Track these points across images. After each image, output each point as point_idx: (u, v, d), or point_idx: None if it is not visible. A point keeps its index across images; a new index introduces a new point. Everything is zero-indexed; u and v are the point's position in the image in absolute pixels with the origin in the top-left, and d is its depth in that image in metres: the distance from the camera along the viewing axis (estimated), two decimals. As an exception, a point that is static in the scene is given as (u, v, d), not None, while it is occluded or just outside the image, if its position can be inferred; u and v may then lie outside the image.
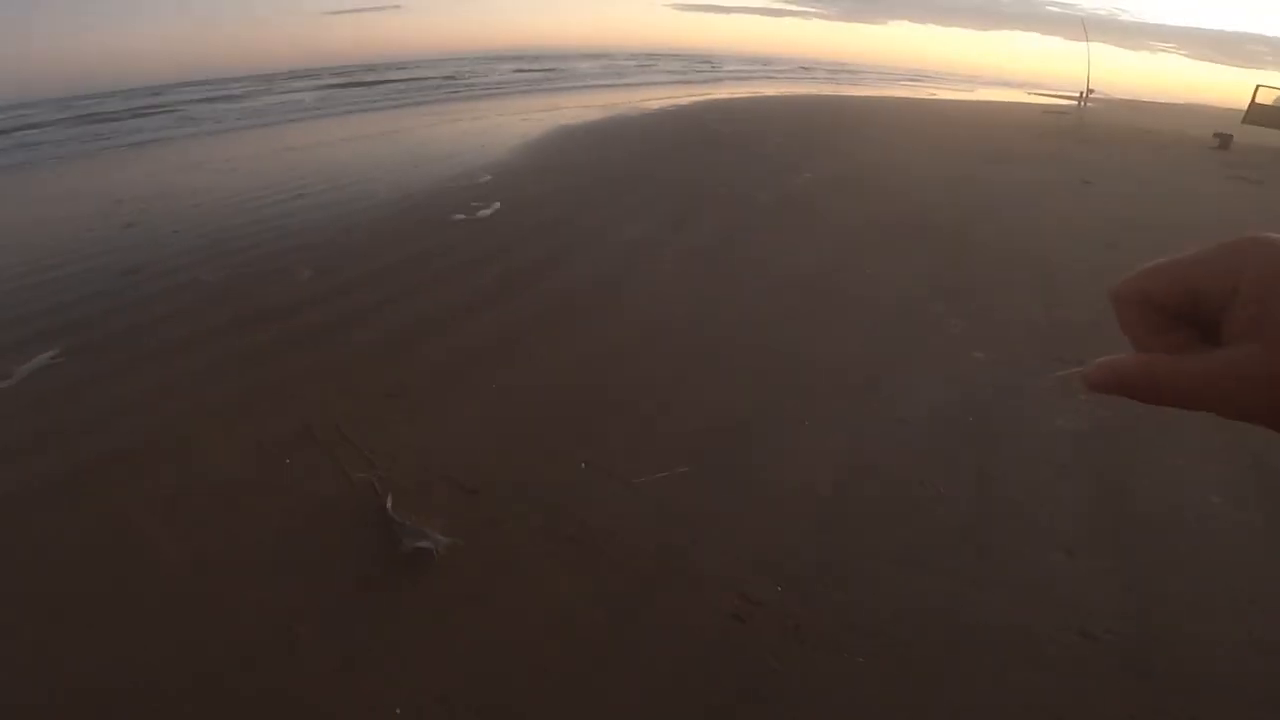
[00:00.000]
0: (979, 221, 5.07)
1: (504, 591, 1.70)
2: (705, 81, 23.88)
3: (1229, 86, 12.77)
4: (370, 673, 1.47)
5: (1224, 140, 11.35)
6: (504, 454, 2.24)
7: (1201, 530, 1.97)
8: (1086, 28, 13.60)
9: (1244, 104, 13.27)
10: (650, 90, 18.03)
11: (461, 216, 4.83)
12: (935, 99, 21.25)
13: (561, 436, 2.34)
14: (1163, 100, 26.23)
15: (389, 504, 1.93)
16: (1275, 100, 12.84)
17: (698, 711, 1.42)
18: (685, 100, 14.50)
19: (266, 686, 1.44)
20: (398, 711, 1.39)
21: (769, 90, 20.18)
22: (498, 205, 5.07)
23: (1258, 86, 13.21)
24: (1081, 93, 14.10)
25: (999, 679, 1.49)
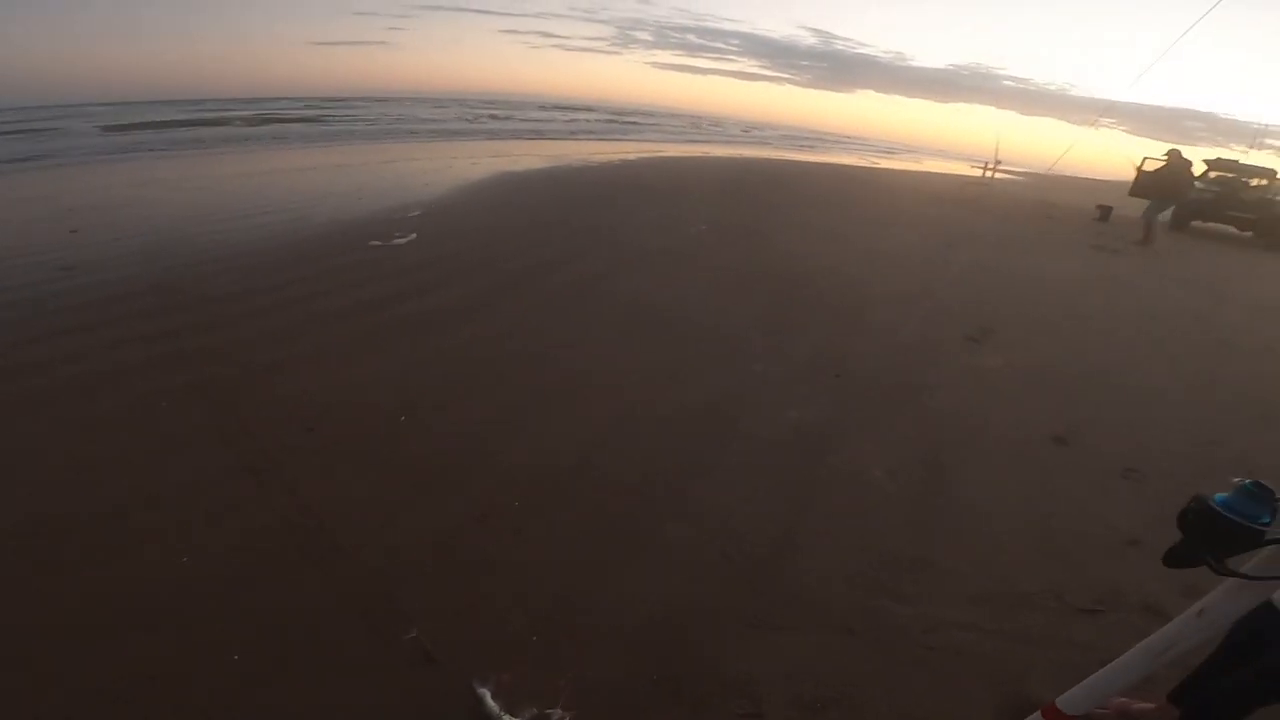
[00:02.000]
0: (829, 274, 5.92)
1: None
2: (659, 139, 25.36)
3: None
4: None
5: (1105, 212, 12.68)
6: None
7: (855, 491, 2.62)
8: (999, 107, 15.06)
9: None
10: (603, 144, 19.30)
11: (378, 243, 5.54)
12: (875, 167, 22.94)
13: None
14: (1088, 176, 28.37)
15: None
16: (1157, 171, 14.18)
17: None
18: (633, 155, 15.61)
19: None
20: None
21: (719, 151, 21.60)
22: (414, 236, 5.80)
23: (1144, 158, 14.56)
24: (986, 164, 15.50)
25: (658, 579, 2.06)
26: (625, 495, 2.44)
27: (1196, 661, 1.58)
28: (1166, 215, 9.15)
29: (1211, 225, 12.90)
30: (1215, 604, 1.25)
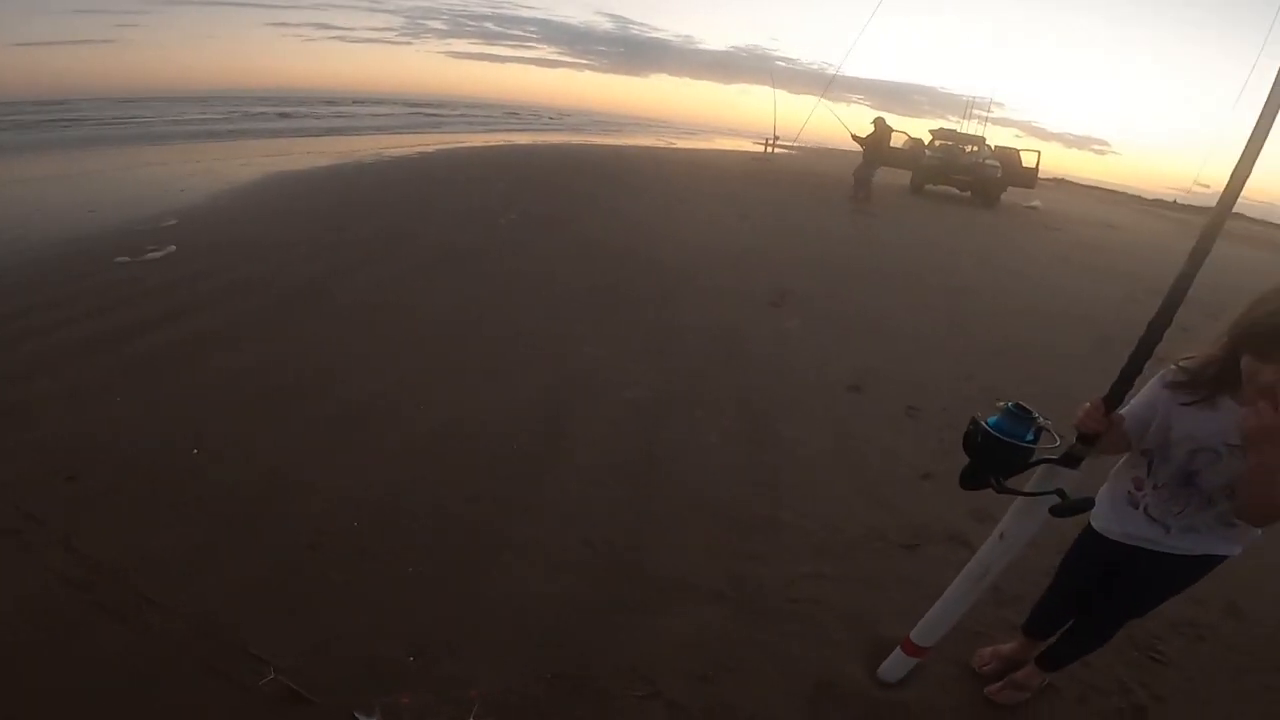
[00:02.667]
0: (641, 254, 6.13)
1: None
2: (465, 130, 24.34)
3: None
4: None
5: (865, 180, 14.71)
6: None
7: (695, 460, 2.75)
8: (774, 79, 16.40)
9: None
10: (401, 137, 18.00)
11: (127, 259, 4.64)
12: (672, 147, 24.13)
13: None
14: (847, 148, 32.34)
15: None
16: (903, 144, 16.73)
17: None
18: (434, 148, 14.77)
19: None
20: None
21: (529, 139, 21.24)
22: (172, 249, 4.94)
23: (891, 132, 17.10)
24: (767, 140, 17.03)
25: (522, 579, 2.00)
26: (472, 501, 2.33)
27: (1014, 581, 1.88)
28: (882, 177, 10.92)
29: (941, 188, 15.49)
30: (1010, 526, 1.45)
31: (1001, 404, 1.29)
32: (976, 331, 5.10)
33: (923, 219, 11.63)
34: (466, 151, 14.37)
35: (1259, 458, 1.09)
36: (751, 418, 3.17)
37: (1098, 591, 1.55)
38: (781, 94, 15.81)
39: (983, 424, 1.29)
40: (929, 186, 15.39)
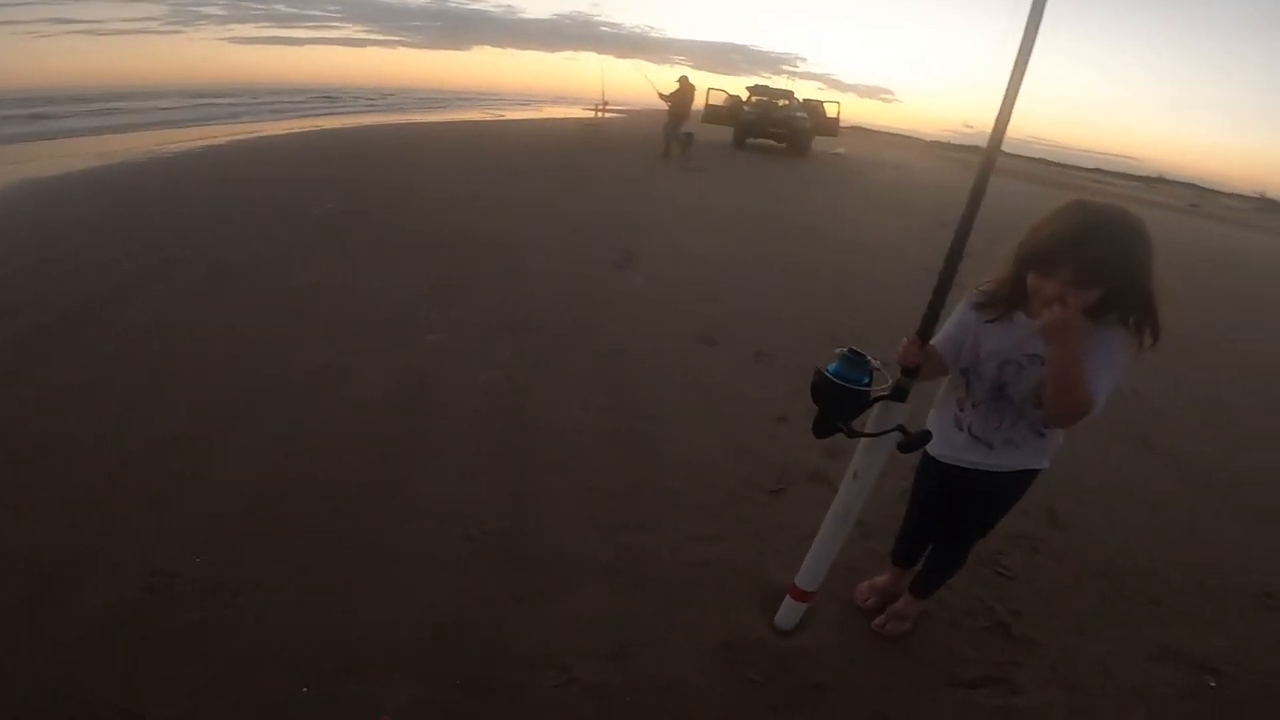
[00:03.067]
0: (478, 232, 5.87)
1: None
2: (263, 117, 21.68)
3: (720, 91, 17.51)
4: None
5: (688, 139, 15.20)
6: None
7: (565, 438, 2.70)
8: (599, 45, 16.55)
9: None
10: (178, 131, 15.61)
11: None
12: (502, 120, 23.26)
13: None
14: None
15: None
16: (724, 101, 17.48)
17: None
18: (223, 140, 12.98)
19: None
20: None
21: (333, 123, 19.33)
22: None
23: (709, 89, 17.73)
24: (597, 106, 17.03)
25: (410, 587, 1.87)
26: (343, 508, 2.14)
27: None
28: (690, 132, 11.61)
29: (761, 141, 16.46)
30: (861, 464, 1.54)
31: (839, 351, 1.38)
32: (808, 272, 5.52)
33: (747, 171, 12.29)
34: (275, 141, 12.80)
35: (1056, 351, 1.23)
36: (612, 384, 3.18)
37: (944, 515, 1.70)
38: (608, 59, 15.82)
39: (825, 373, 1.37)
40: (749, 140, 16.27)
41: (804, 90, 18.37)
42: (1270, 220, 21.74)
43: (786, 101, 17.04)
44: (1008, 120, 1.29)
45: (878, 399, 1.40)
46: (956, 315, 1.46)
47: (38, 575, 1.79)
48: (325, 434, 2.60)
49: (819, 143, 17.16)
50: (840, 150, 18.10)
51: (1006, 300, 1.37)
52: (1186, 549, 2.43)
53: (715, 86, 17.64)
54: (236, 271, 4.33)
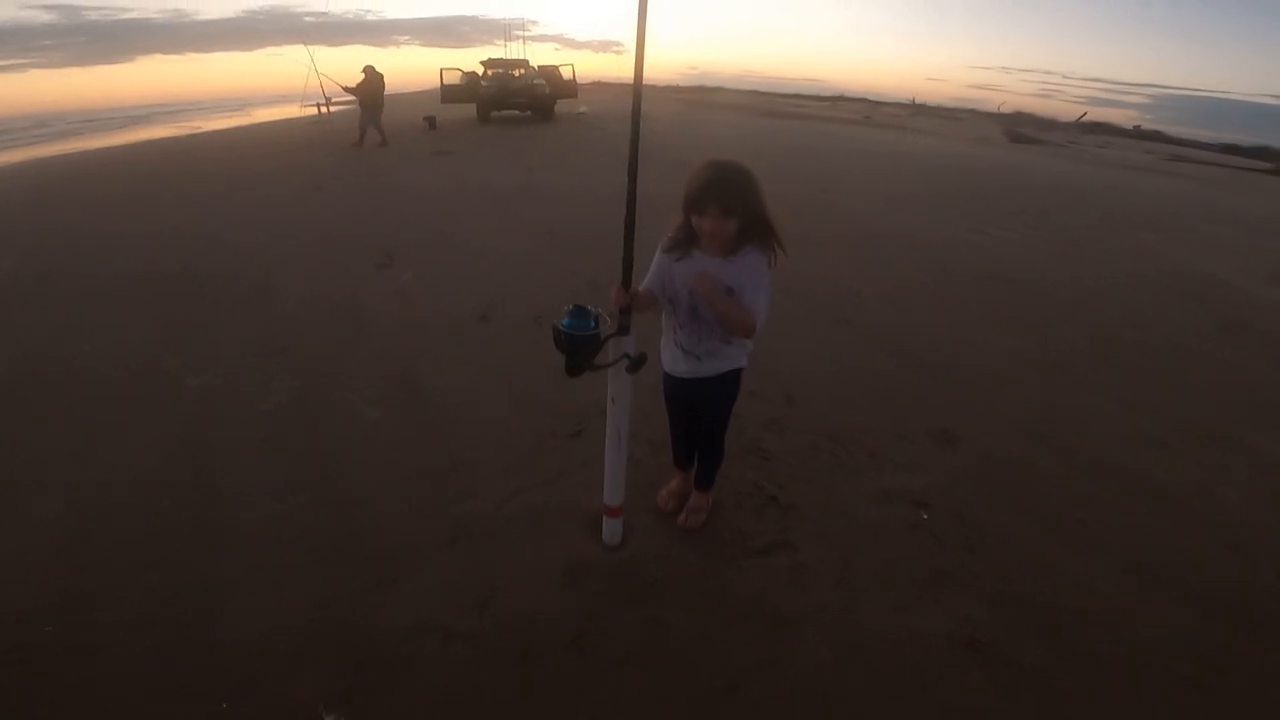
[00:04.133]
0: (213, 257, 5.32)
1: None
2: None
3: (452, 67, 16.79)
4: None
5: (431, 122, 14.58)
6: None
7: (367, 441, 2.79)
8: (306, 37, 14.85)
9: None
10: None
11: None
12: (200, 131, 20.07)
13: None
14: (408, 90, 31.17)
15: None
16: (460, 79, 16.93)
17: None
18: None
19: None
20: None
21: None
22: None
23: (442, 70, 17.05)
24: (319, 103, 15.54)
25: (268, 607, 1.87)
26: (165, 556, 2.04)
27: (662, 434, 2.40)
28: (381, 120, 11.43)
29: (504, 113, 16.39)
30: (614, 390, 1.85)
31: (567, 308, 1.67)
32: (562, 233, 5.89)
33: (496, 144, 12.28)
34: None
35: (709, 308, 1.76)
36: (401, 382, 3.28)
37: (690, 418, 2.16)
38: (321, 49, 14.40)
39: (559, 327, 1.66)
40: (494, 114, 16.13)
41: (540, 55, 18.60)
42: (922, 122, 26.83)
43: (522, 70, 17.09)
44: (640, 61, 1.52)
45: (608, 337, 1.69)
46: (656, 259, 1.86)
47: None
48: (108, 505, 2.41)
49: (563, 104, 17.56)
50: (583, 109, 18.70)
51: (685, 242, 1.79)
52: (887, 407, 3.11)
53: (448, 66, 17.06)
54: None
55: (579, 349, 1.67)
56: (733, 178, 1.68)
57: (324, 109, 15.67)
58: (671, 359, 1.99)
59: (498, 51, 18.64)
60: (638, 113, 1.62)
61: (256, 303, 4.33)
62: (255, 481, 2.51)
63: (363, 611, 1.93)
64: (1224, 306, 5.03)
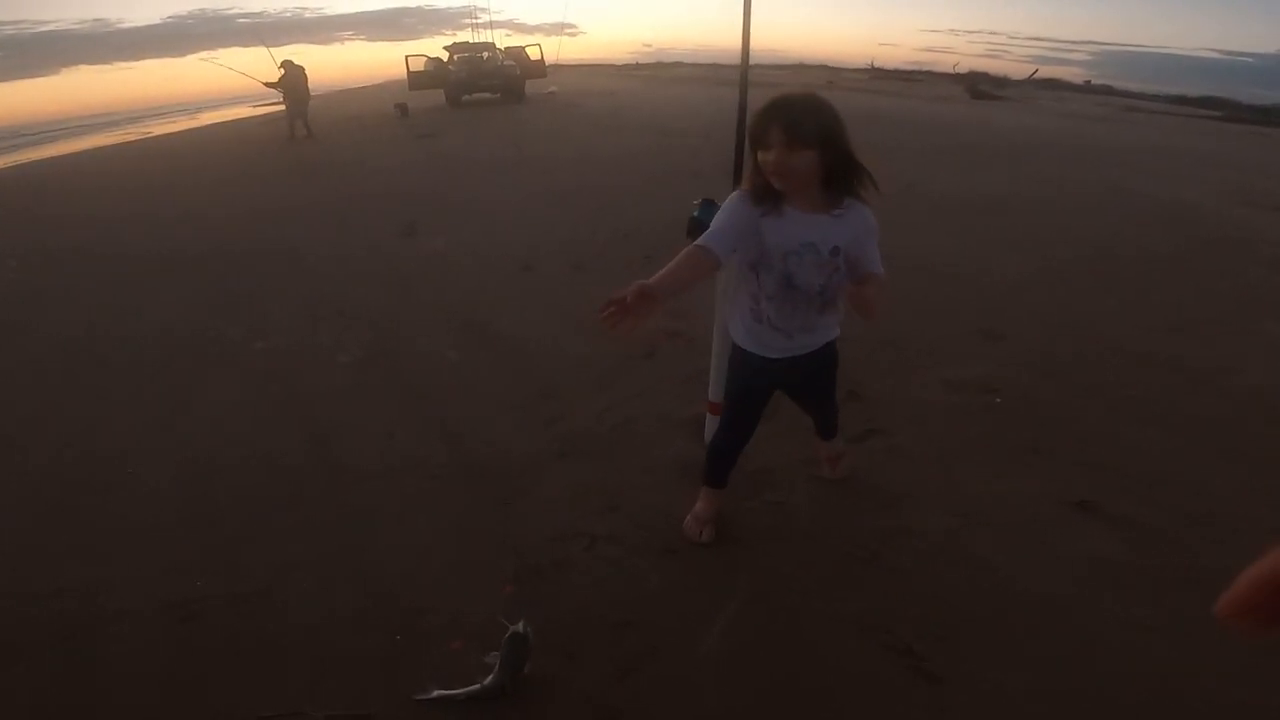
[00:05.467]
0: (228, 243, 5.32)
1: None
2: None
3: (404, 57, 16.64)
4: None
5: (403, 109, 14.44)
6: None
7: (456, 377, 2.91)
8: (263, 36, 14.44)
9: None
10: None
11: None
12: (150, 136, 19.44)
13: None
14: (361, 84, 30.52)
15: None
16: (425, 65, 16.72)
17: None
18: None
19: None
20: None
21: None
22: None
23: (407, 57, 16.82)
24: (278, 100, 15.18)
25: (419, 534, 1.99)
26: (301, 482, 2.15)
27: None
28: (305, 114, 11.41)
29: (477, 96, 16.25)
30: (724, 284, 1.87)
31: (696, 202, 1.76)
32: (572, 195, 6.01)
33: (476, 126, 12.22)
34: None
35: (861, 315, 1.43)
36: (469, 327, 3.39)
37: (797, 396, 1.88)
38: (258, 50, 14.07)
39: (694, 216, 1.77)
40: (464, 98, 15.98)
41: (497, 40, 18.38)
42: (882, 84, 27.24)
43: (490, 53, 16.93)
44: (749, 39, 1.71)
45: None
46: (730, 207, 1.48)
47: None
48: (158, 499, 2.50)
49: (531, 84, 17.46)
50: (553, 89, 18.60)
51: (768, 193, 1.43)
52: (929, 315, 3.29)
53: (413, 53, 16.80)
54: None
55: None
56: (802, 104, 1.38)
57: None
58: (755, 337, 1.63)
59: (459, 39, 18.34)
60: (745, 61, 1.79)
61: (294, 274, 4.38)
62: (356, 424, 2.60)
63: (503, 528, 2.00)
64: (1206, 225, 5.35)
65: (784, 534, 1.92)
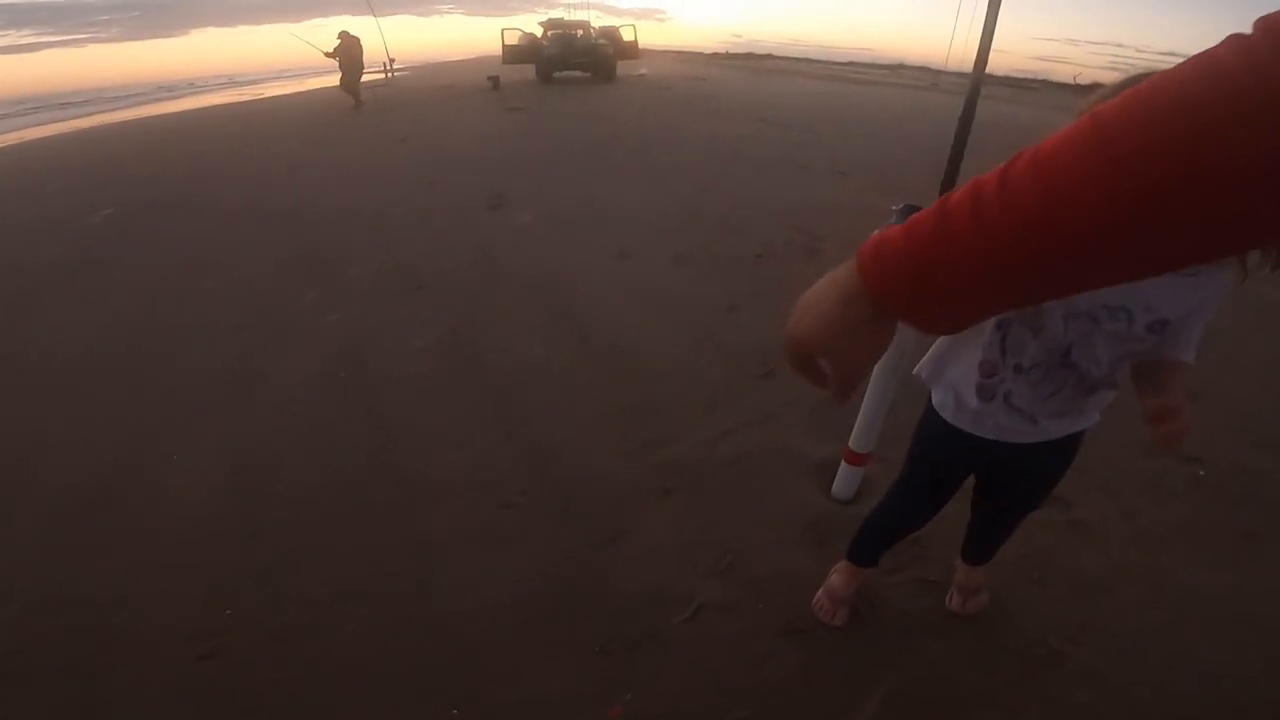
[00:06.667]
0: (316, 200, 5.16)
1: None
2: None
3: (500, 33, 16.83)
4: None
5: (495, 82, 14.32)
6: None
7: (539, 378, 2.56)
8: (373, 5, 14.80)
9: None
10: None
11: None
12: (262, 97, 20.25)
13: None
14: (457, 58, 31.01)
15: None
16: (519, 39, 16.66)
17: None
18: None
19: None
20: None
21: (87, 123, 15.70)
22: None
23: (503, 30, 16.84)
24: (384, 64, 15.48)
25: (488, 567, 1.66)
26: (348, 493, 1.83)
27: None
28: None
29: (566, 74, 15.99)
30: None
31: (895, 208, 1.35)
32: (670, 178, 5.55)
33: (567, 102, 11.92)
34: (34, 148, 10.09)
35: (1162, 446, 0.93)
36: (561, 317, 3.01)
37: (981, 484, 1.34)
38: (367, 19, 14.32)
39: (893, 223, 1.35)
40: (555, 75, 15.75)
41: (591, 19, 18.06)
42: (994, 90, 25.43)
43: (584, 31, 16.61)
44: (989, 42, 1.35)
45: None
46: None
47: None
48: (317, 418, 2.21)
49: (623, 66, 17.06)
50: (644, 71, 18.15)
51: None
52: None
53: (509, 26, 16.76)
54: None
55: None
56: None
57: (388, 73, 15.62)
58: (973, 416, 1.12)
59: (556, 15, 18.15)
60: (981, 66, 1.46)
61: (376, 241, 4.12)
62: (427, 426, 2.26)
63: (589, 577, 1.64)
64: None
65: (938, 621, 1.51)
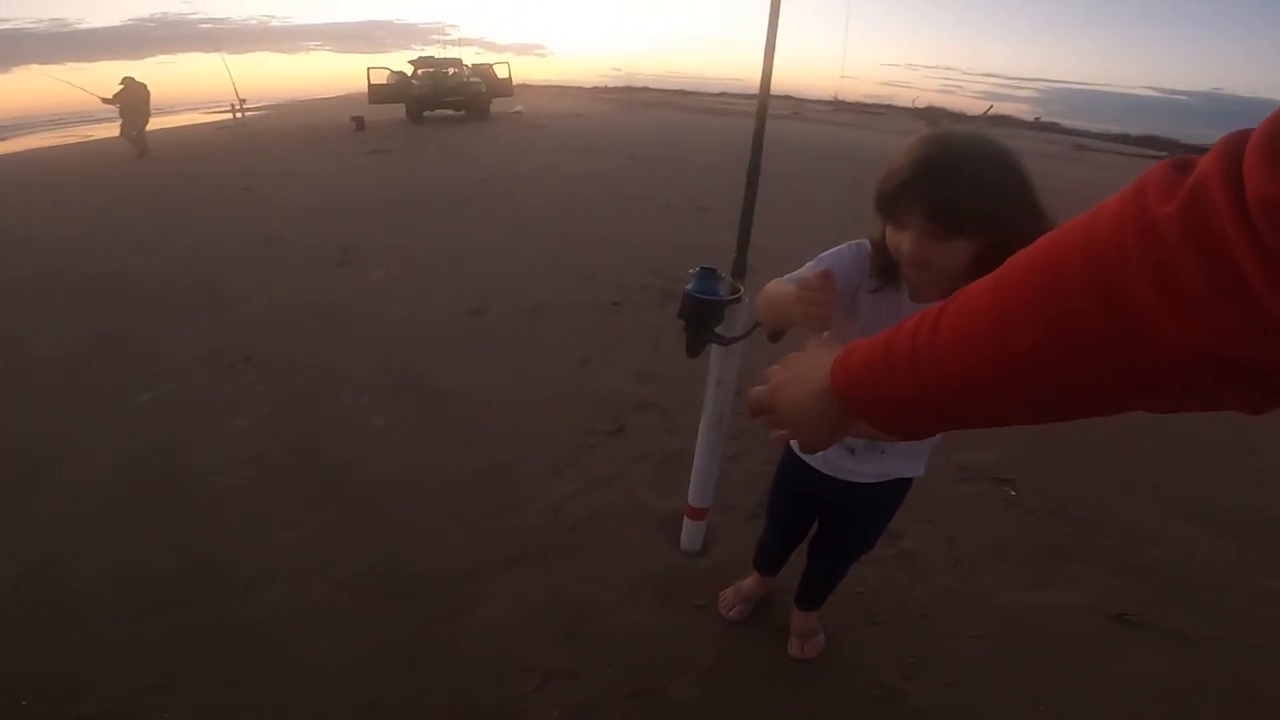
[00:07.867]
0: (133, 263, 4.68)
1: None
2: None
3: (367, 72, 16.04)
4: None
5: (359, 122, 13.81)
6: None
7: (375, 457, 2.42)
8: (206, 50, 13.88)
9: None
10: None
11: None
12: (89, 139, 18.29)
13: None
14: (322, 96, 29.77)
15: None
16: (387, 78, 16.16)
17: None
18: None
19: None
20: None
21: None
22: None
23: (369, 70, 16.29)
24: (233, 105, 14.52)
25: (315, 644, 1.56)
26: (175, 598, 1.61)
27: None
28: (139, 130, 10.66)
29: (439, 113, 15.71)
30: (720, 369, 1.54)
31: (693, 270, 1.37)
32: (535, 224, 5.55)
33: (434, 143, 11.70)
34: None
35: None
36: (403, 383, 2.89)
37: (808, 525, 1.47)
38: (220, 55, 13.43)
39: (689, 292, 1.36)
40: (426, 114, 15.43)
41: (466, 56, 17.89)
42: (844, 117, 27.75)
43: (456, 69, 16.42)
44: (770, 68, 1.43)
45: (727, 302, 1.40)
46: (842, 255, 1.04)
47: None
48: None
49: (497, 103, 17.02)
50: (519, 108, 18.18)
51: (883, 269, 0.99)
52: None
53: (375, 66, 16.21)
54: None
55: (707, 317, 1.37)
56: (956, 165, 0.85)
57: (238, 113, 14.62)
58: None
59: (425, 54, 17.86)
60: (765, 95, 1.51)
61: (199, 308, 3.78)
62: (251, 509, 2.10)
63: (433, 653, 1.59)
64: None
65: (782, 669, 1.57)
